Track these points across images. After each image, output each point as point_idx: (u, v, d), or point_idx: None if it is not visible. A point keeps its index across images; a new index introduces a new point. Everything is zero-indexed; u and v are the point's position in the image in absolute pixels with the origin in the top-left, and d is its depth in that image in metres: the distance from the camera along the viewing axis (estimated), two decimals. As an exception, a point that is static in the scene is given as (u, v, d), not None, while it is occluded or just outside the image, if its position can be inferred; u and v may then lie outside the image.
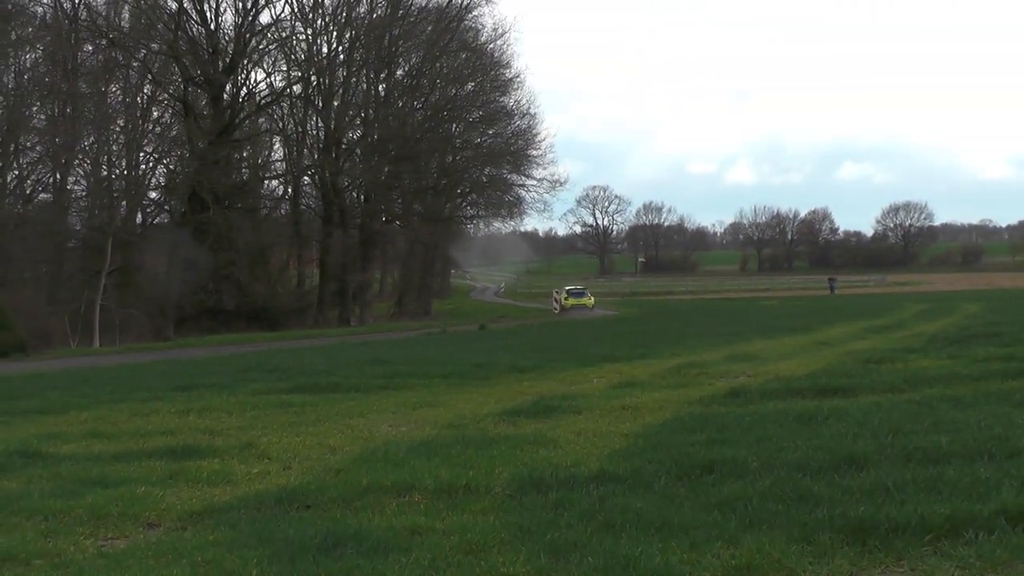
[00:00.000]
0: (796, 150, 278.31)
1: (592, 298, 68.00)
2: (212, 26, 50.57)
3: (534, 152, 62.54)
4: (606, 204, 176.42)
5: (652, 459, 8.08)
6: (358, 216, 57.46)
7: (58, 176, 47.52)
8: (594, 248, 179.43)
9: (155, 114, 50.89)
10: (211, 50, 49.82)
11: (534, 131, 62.77)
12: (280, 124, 56.31)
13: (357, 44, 54.75)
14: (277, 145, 58.95)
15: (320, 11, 53.39)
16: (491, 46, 59.32)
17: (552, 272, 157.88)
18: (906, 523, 5.80)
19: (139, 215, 51.58)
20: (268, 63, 53.97)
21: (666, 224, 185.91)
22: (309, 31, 53.26)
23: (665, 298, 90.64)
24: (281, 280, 57.87)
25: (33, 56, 47.94)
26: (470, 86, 59.43)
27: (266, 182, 58.67)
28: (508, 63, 60.96)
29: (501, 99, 61.51)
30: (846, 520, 5.94)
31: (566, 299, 68.91)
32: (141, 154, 48.92)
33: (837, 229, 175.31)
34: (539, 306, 69.18)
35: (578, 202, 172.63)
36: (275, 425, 11.24)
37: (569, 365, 18.35)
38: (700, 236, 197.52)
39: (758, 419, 10.02)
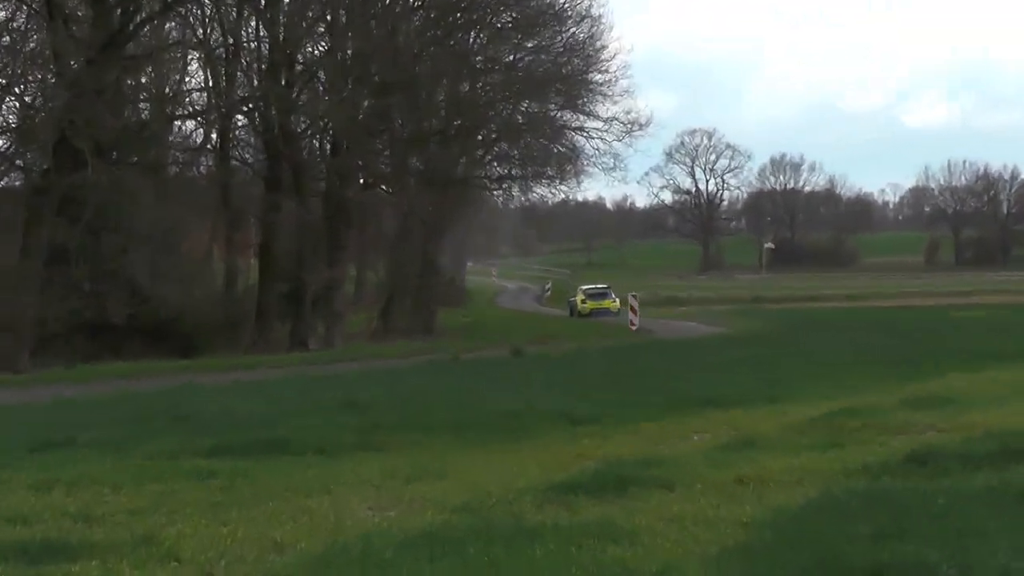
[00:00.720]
0: (1013, 76, 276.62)
1: (617, 300, 68.77)
2: None
3: (598, 77, 62.48)
4: (712, 159, 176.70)
5: (787, 563, 8.09)
6: (322, 177, 57.49)
7: None
8: (694, 228, 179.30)
9: (1, 16, 51.29)
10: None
11: (598, 45, 62.59)
12: (200, 33, 56.30)
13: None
14: (195, 66, 59.09)
15: None
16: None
17: (626, 264, 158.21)
18: None
19: (-23, 175, 52.08)
20: (181, -64, 54.15)
21: (807, 190, 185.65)
22: None
23: (807, 306, 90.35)
24: (200, 278, 58.11)
25: None
26: (497, -28, 59.42)
27: (178, 124, 58.90)
28: (556, -66, 60.89)
29: (546, -7, 61.34)
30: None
31: (583, 302, 71.41)
32: (-19, 80, 49.37)
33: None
34: (603, 319, 69.06)
35: (668, 155, 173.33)
36: (189, 507, 11.30)
37: (652, 412, 18.39)
38: (862, 209, 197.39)
39: (956, 499, 9.99)
